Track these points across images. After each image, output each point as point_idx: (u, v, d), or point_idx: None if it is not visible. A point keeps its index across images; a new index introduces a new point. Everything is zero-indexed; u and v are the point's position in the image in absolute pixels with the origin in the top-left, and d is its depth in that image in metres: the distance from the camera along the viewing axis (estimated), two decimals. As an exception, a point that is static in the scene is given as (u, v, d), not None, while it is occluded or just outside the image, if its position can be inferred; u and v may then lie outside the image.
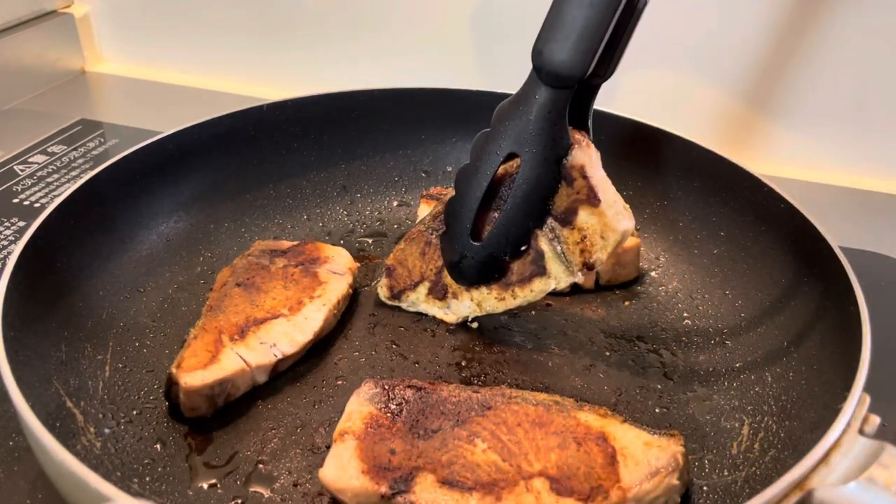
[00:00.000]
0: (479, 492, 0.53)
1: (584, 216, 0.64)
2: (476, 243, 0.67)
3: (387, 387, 0.60)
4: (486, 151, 0.65)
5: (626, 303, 0.78)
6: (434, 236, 0.72)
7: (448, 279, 0.71)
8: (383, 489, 0.53)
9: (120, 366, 0.67)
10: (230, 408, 0.64)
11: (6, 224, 0.91)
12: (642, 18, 0.64)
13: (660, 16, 1.06)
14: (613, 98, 0.90)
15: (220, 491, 0.58)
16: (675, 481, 0.54)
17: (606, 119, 0.87)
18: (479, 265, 0.68)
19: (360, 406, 0.59)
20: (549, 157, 0.63)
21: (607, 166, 0.89)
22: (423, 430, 0.57)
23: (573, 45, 0.59)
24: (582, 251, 0.64)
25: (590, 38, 0.58)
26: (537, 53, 0.61)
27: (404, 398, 0.60)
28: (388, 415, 0.58)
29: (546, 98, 0.62)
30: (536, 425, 0.57)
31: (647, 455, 0.55)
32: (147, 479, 0.58)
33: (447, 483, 0.53)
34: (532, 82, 0.62)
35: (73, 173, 1.02)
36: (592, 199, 0.63)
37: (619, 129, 0.87)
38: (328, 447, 0.59)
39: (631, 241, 0.77)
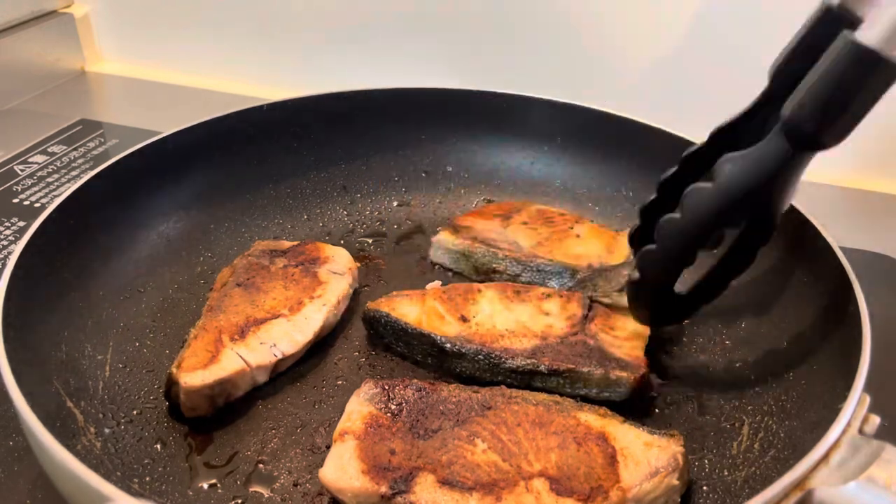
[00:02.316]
0: (479, 492, 0.53)
1: None
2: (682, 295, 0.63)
3: (387, 387, 0.60)
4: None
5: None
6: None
7: None
8: (383, 489, 0.53)
9: (120, 366, 0.67)
10: (230, 408, 0.64)
11: (6, 224, 0.91)
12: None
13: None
14: (615, 97, 0.91)
15: (220, 491, 0.58)
16: (675, 481, 0.54)
17: (607, 119, 0.87)
18: (678, 315, 0.67)
19: (360, 406, 0.59)
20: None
21: (608, 166, 0.90)
22: (423, 430, 0.57)
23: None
24: None
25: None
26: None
27: (404, 398, 0.60)
28: (388, 415, 0.58)
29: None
30: (536, 425, 0.57)
31: (647, 455, 0.55)
32: (147, 479, 0.58)
33: (447, 483, 0.53)
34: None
35: (73, 173, 1.02)
36: None
37: (619, 129, 0.87)
38: (328, 447, 0.59)
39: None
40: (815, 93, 0.51)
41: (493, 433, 0.57)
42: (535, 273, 0.76)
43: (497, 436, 0.57)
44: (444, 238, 0.80)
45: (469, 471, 0.54)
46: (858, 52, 0.49)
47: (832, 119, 0.52)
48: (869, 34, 0.49)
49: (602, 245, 0.80)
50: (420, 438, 0.57)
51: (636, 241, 0.70)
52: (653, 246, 0.59)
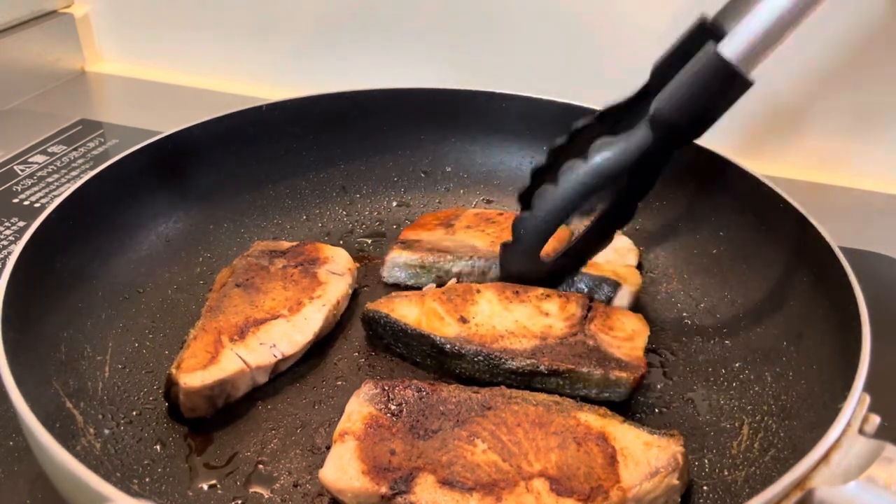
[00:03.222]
0: (480, 492, 0.53)
1: None
2: (546, 260, 0.71)
3: (387, 387, 0.60)
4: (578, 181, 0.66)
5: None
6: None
7: None
8: (383, 490, 0.53)
9: (119, 366, 0.67)
10: (230, 408, 0.64)
11: (6, 224, 0.91)
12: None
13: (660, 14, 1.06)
14: (615, 97, 0.90)
15: (220, 491, 0.58)
16: (675, 481, 0.54)
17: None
18: (542, 279, 0.72)
19: (360, 406, 0.59)
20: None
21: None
22: (423, 430, 0.57)
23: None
24: None
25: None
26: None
27: (404, 399, 0.60)
28: (388, 415, 0.58)
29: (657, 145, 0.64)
30: (536, 425, 0.57)
31: (647, 455, 0.55)
32: (147, 479, 0.58)
33: (447, 483, 0.53)
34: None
35: (73, 173, 1.02)
36: None
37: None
38: (328, 448, 0.59)
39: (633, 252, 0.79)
40: (678, 93, 0.60)
41: (493, 433, 0.57)
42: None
43: (497, 436, 0.57)
44: (398, 255, 0.78)
45: (469, 471, 0.54)
46: (717, 62, 0.57)
47: (690, 117, 0.60)
48: (729, 48, 0.57)
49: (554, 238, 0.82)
50: (420, 439, 0.57)
51: (523, 200, 0.75)
52: (527, 213, 0.68)
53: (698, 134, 0.62)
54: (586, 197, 0.65)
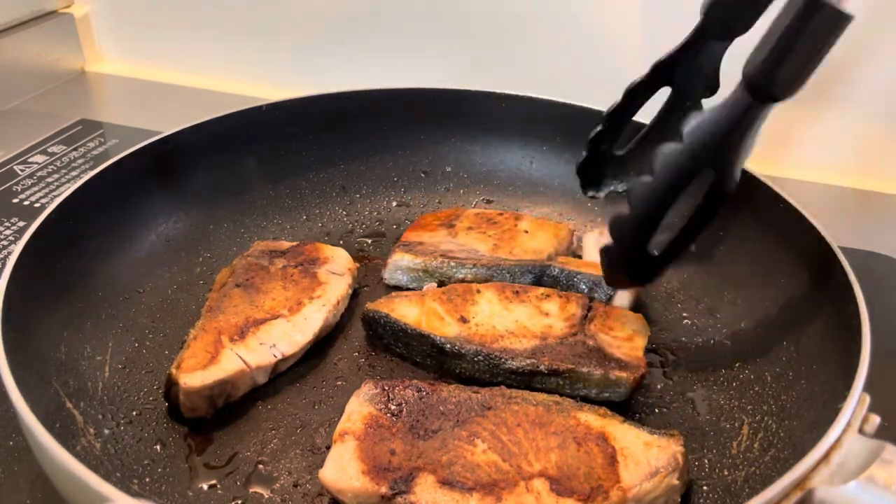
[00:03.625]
0: (480, 492, 0.53)
1: None
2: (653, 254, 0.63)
3: (387, 387, 0.60)
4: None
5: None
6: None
7: None
8: (383, 490, 0.53)
9: (119, 366, 0.67)
10: (230, 408, 0.64)
11: (6, 224, 0.91)
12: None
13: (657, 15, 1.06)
14: (615, 97, 0.90)
15: (220, 491, 0.58)
16: (675, 481, 0.54)
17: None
18: (653, 275, 0.67)
19: (360, 406, 0.59)
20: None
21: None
22: (423, 430, 0.57)
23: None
24: None
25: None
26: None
27: (404, 399, 0.60)
28: (388, 415, 0.58)
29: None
30: (536, 425, 0.57)
31: (647, 455, 0.55)
32: (147, 479, 0.58)
33: (447, 483, 0.53)
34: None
35: (73, 173, 1.02)
36: None
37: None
38: (328, 448, 0.59)
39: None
40: (773, 47, 0.54)
41: (493, 433, 0.57)
42: (506, 275, 0.76)
43: (497, 436, 0.57)
44: (401, 258, 0.78)
45: (469, 471, 0.54)
46: (812, 3, 0.52)
47: (791, 70, 0.55)
48: None
49: (551, 234, 0.82)
50: (420, 439, 0.57)
51: (583, 170, 0.75)
52: (623, 212, 0.60)
53: (800, 86, 0.56)
54: (688, 181, 0.59)
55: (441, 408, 0.59)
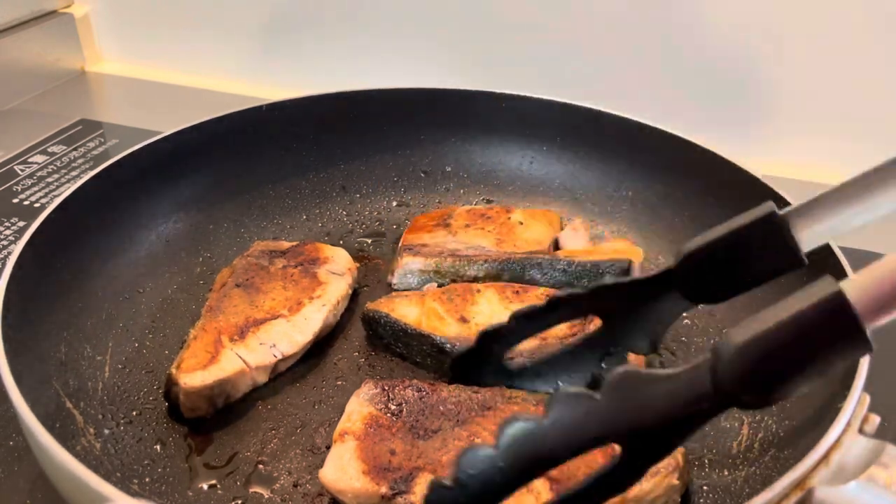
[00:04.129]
0: None
1: None
2: None
3: (387, 387, 0.60)
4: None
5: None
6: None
7: None
8: (384, 489, 0.53)
9: (119, 366, 0.67)
10: (230, 408, 0.64)
11: (6, 224, 0.91)
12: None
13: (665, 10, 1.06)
14: (615, 97, 0.90)
15: (220, 492, 0.58)
16: (675, 481, 0.54)
17: (607, 119, 0.87)
18: None
19: (360, 406, 0.59)
20: None
21: (607, 166, 0.90)
22: (423, 430, 0.57)
23: None
24: None
25: None
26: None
27: (404, 398, 0.60)
28: (388, 415, 0.58)
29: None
30: None
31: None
32: (147, 479, 0.58)
33: None
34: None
35: (73, 173, 1.02)
36: None
37: (619, 129, 0.87)
38: (328, 447, 0.59)
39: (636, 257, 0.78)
40: (766, 335, 0.40)
41: (493, 433, 0.57)
42: (516, 268, 0.76)
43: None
44: (411, 261, 0.77)
45: None
46: (838, 304, 0.39)
47: (776, 374, 0.40)
48: (854, 289, 0.39)
49: (545, 223, 0.83)
50: (420, 439, 0.57)
51: (460, 363, 0.63)
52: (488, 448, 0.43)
53: (777, 399, 0.41)
54: (572, 455, 0.42)
55: (441, 408, 0.59)
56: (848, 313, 0.38)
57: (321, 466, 0.56)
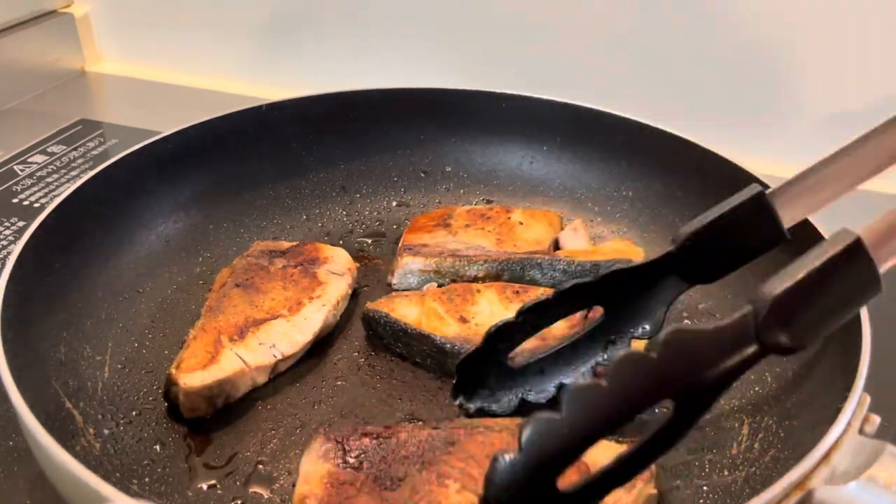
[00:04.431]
0: None
1: None
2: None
3: (340, 439, 0.56)
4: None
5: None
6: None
7: None
8: None
9: (119, 367, 0.67)
10: (230, 408, 0.64)
11: (5, 224, 0.91)
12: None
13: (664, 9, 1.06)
14: (615, 97, 0.90)
15: (219, 492, 0.58)
16: (653, 490, 0.54)
17: (607, 119, 0.87)
18: None
19: (315, 466, 0.54)
20: None
21: (608, 166, 0.90)
22: (389, 480, 0.53)
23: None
24: None
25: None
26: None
27: (361, 449, 0.55)
28: (349, 469, 0.54)
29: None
30: None
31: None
32: (146, 479, 0.58)
33: None
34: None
35: (73, 173, 1.02)
36: None
37: (619, 129, 0.87)
38: (328, 448, 0.59)
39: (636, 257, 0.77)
40: (797, 288, 0.44)
41: (463, 471, 0.54)
42: (516, 268, 0.76)
43: (468, 473, 0.53)
44: (412, 261, 0.77)
45: None
46: (858, 252, 0.45)
47: (809, 320, 0.45)
48: (868, 235, 0.46)
49: (545, 223, 0.83)
50: (388, 490, 0.53)
51: (467, 367, 0.61)
52: (554, 415, 0.43)
53: (810, 341, 0.45)
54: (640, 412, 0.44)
55: (402, 452, 0.55)
56: (866, 258, 0.44)
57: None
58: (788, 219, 0.57)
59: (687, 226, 0.57)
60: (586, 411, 0.43)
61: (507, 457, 0.43)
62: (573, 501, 0.45)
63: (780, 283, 0.45)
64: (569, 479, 0.44)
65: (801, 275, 0.45)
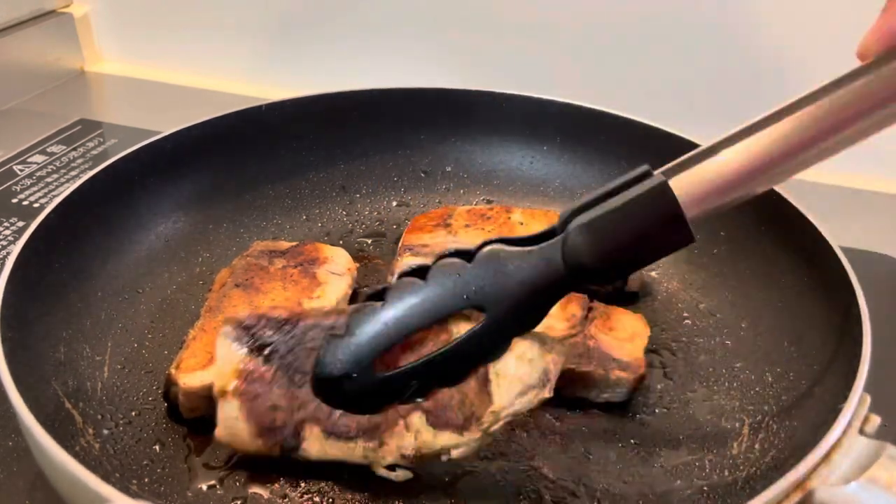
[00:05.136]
0: (363, 438, 0.53)
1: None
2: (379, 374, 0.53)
3: (247, 324, 0.55)
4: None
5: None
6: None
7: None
8: (276, 450, 0.54)
9: (118, 367, 0.67)
10: (229, 408, 0.64)
11: (5, 224, 0.91)
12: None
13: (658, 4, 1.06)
14: (615, 97, 0.90)
15: (219, 492, 0.58)
16: (547, 394, 0.53)
17: (607, 119, 0.87)
18: (372, 395, 0.54)
19: (229, 355, 0.54)
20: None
21: (608, 166, 0.90)
22: (298, 374, 0.54)
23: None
24: None
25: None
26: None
27: (270, 338, 0.54)
28: (261, 360, 0.54)
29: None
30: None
31: (518, 371, 0.52)
32: (146, 480, 0.58)
33: (332, 434, 0.53)
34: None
35: (73, 173, 1.02)
36: None
37: (619, 129, 0.87)
38: (327, 448, 0.59)
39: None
40: (606, 220, 0.48)
41: None
42: None
43: None
44: (411, 262, 0.76)
45: (349, 418, 0.53)
46: (662, 194, 0.47)
47: (614, 251, 0.49)
48: (679, 185, 0.47)
49: (546, 223, 0.81)
50: (297, 386, 0.54)
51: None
52: (377, 305, 0.52)
53: (614, 277, 0.51)
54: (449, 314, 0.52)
55: (310, 343, 0.54)
56: (671, 202, 0.47)
57: (321, 467, 0.56)
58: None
59: (569, 205, 0.53)
60: (405, 303, 0.52)
61: (336, 337, 0.53)
62: (385, 384, 0.53)
63: (588, 215, 0.49)
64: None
65: (606, 210, 0.48)
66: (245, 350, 0.55)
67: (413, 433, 0.53)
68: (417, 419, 0.53)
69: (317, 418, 0.53)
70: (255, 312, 0.56)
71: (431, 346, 0.53)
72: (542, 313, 0.52)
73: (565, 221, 0.51)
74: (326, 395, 0.53)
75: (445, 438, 0.53)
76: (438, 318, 0.52)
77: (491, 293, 0.51)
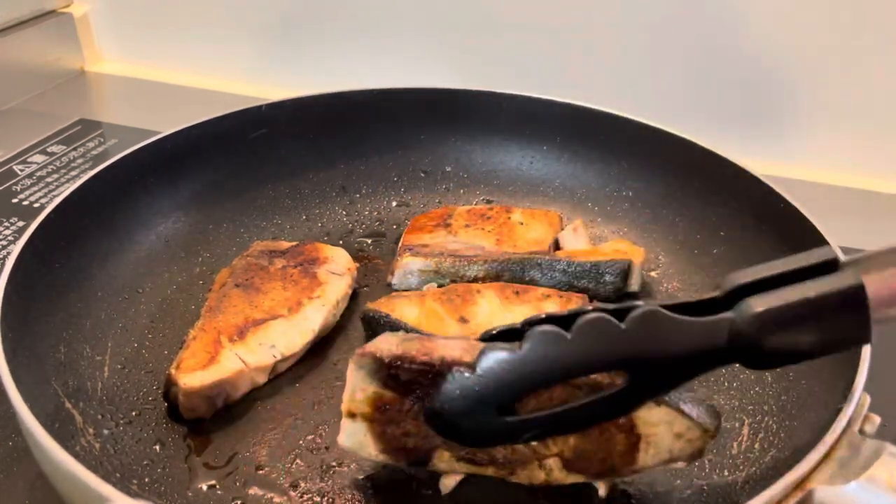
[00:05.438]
0: (494, 467, 0.54)
1: None
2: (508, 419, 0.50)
3: (388, 360, 0.52)
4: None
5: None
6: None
7: None
8: (403, 465, 0.55)
9: (119, 367, 0.67)
10: (229, 409, 0.64)
11: (5, 224, 0.91)
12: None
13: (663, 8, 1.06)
14: (615, 97, 0.90)
15: (219, 492, 0.58)
16: (682, 465, 0.54)
17: (607, 119, 0.87)
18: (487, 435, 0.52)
19: (362, 383, 0.53)
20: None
21: (608, 166, 0.90)
22: None
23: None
24: None
25: None
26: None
27: (410, 374, 0.53)
28: (396, 394, 0.53)
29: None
30: None
31: (671, 445, 0.52)
32: (146, 480, 0.58)
33: (463, 459, 0.54)
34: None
35: (73, 173, 1.02)
36: None
37: (619, 129, 0.87)
38: (328, 448, 0.59)
39: (637, 257, 0.77)
40: (790, 308, 0.45)
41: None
42: (516, 268, 0.76)
43: None
44: (411, 262, 0.77)
45: (485, 453, 0.54)
46: (857, 292, 0.44)
47: (786, 338, 0.46)
48: (873, 283, 0.44)
49: (545, 223, 0.82)
50: None
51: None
52: (515, 350, 0.48)
53: (777, 365, 0.48)
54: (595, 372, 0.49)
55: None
56: (863, 305, 0.44)
57: (321, 467, 0.56)
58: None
59: (735, 274, 0.49)
60: (546, 356, 0.47)
61: (463, 374, 0.49)
62: (507, 431, 0.50)
63: (766, 302, 0.45)
64: None
65: (789, 300, 0.45)
66: (379, 384, 0.53)
67: (546, 472, 0.53)
68: (554, 462, 0.53)
69: (450, 446, 0.54)
70: (394, 352, 0.52)
71: (551, 394, 0.51)
72: (683, 384, 0.49)
73: (733, 294, 0.48)
74: (438, 425, 0.51)
75: (575, 478, 0.54)
76: (579, 377, 0.49)
77: (644, 359, 0.47)
